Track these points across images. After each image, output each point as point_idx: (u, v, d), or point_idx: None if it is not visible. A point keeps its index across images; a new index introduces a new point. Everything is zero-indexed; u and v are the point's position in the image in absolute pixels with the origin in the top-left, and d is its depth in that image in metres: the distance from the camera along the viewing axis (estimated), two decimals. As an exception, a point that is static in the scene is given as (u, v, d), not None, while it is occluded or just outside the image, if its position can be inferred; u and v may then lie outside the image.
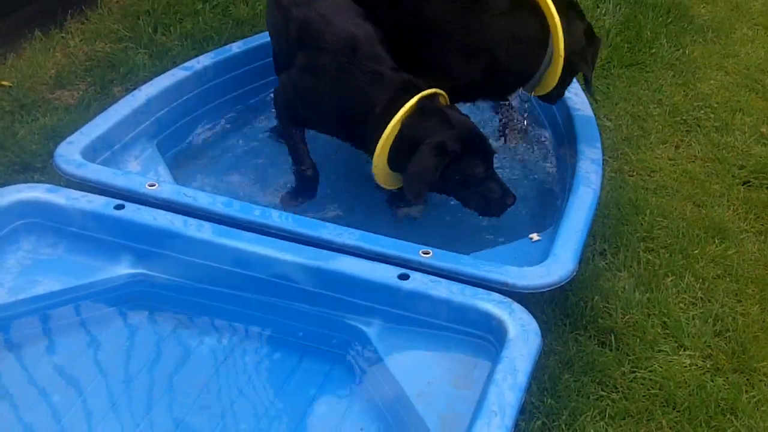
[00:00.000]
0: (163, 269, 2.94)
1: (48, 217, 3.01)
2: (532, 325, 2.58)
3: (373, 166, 3.13)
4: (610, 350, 2.99)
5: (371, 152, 3.11)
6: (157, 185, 3.07)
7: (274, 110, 3.52)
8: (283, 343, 2.85)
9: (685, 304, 3.21)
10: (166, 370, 2.74)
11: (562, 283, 2.75)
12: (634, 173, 3.92)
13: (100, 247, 2.97)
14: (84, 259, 2.96)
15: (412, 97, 3.05)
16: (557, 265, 2.79)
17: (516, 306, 2.65)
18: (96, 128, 3.37)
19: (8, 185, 3.49)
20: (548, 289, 2.73)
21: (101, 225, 2.97)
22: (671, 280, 3.29)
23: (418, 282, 2.73)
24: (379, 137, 3.05)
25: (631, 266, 3.34)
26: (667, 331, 3.08)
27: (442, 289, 2.71)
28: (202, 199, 3.04)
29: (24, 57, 4.40)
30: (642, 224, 3.56)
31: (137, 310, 2.92)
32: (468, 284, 2.73)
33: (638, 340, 3.03)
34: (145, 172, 3.30)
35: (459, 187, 3.12)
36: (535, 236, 3.07)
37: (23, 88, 4.15)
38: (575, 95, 3.68)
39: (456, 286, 2.71)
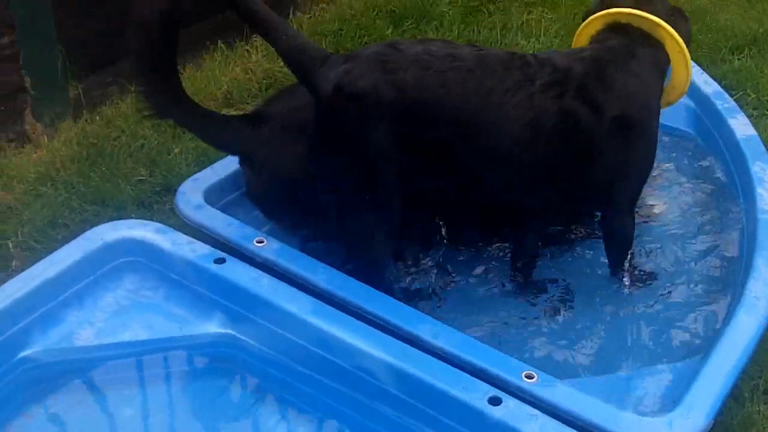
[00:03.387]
0: (251, 335, 2.72)
1: (153, 259, 2.87)
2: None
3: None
4: None
5: None
6: (265, 242, 2.86)
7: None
8: (359, 448, 2.56)
9: None
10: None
11: (685, 445, 2.26)
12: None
13: (196, 299, 2.79)
14: (179, 310, 2.79)
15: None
16: (684, 420, 2.29)
17: (617, 466, 2.20)
18: (228, 166, 3.20)
19: (149, 208, 3.48)
20: (664, 450, 2.26)
21: (198, 277, 2.79)
22: None
23: (509, 411, 2.34)
24: None
25: (799, 417, 2.74)
26: None
27: (533, 425, 2.30)
28: (303, 265, 2.78)
29: (203, 68, 4.32)
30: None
31: (221, 373, 2.73)
32: (569, 424, 2.31)
33: None
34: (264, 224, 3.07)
35: None
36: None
37: (192, 102, 4.07)
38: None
39: (552, 425, 2.30)
